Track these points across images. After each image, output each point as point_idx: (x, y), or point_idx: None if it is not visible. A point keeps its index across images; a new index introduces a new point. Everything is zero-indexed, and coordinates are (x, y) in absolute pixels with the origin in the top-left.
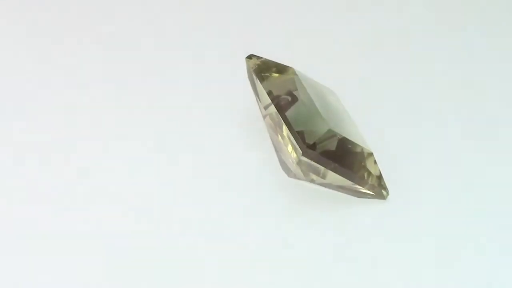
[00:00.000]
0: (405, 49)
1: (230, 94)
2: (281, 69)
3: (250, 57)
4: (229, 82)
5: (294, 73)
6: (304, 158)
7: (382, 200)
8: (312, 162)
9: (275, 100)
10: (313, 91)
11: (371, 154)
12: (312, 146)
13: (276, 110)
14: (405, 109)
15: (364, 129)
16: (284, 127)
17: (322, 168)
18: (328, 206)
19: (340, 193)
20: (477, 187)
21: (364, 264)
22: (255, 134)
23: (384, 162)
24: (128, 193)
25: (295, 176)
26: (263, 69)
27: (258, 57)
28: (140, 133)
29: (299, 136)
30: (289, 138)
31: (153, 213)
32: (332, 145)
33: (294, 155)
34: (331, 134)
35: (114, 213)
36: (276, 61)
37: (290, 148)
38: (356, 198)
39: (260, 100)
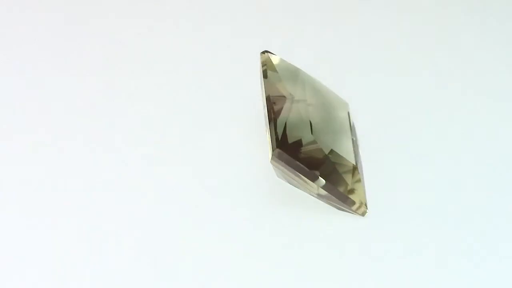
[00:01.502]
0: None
1: (242, 91)
2: (290, 70)
3: (264, 52)
4: (242, 78)
5: (301, 77)
6: (275, 159)
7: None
8: (287, 165)
9: (271, 100)
10: (315, 98)
11: (357, 171)
12: (289, 149)
13: (266, 111)
14: (401, 122)
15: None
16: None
17: (300, 175)
18: (305, 211)
19: (320, 201)
20: (461, 209)
21: (335, 272)
22: (259, 133)
23: (371, 176)
24: (126, 187)
25: (281, 177)
26: (271, 68)
27: (271, 54)
28: (142, 129)
29: (275, 136)
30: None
31: (151, 208)
32: (317, 154)
33: (270, 154)
34: (314, 143)
35: (111, 208)
36: (297, 62)
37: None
38: (335, 209)
39: (263, 99)
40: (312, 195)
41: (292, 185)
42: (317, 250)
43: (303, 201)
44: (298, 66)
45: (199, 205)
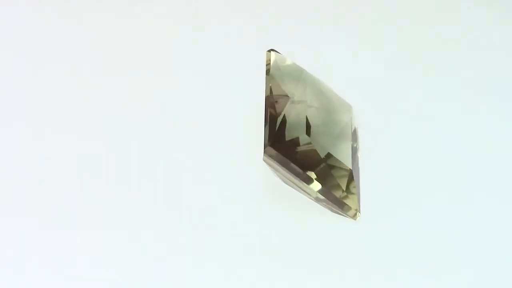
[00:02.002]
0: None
1: (246, 90)
2: (294, 70)
3: (270, 51)
4: (248, 76)
5: (304, 78)
6: (267, 156)
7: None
8: (280, 164)
9: (270, 99)
10: (318, 100)
11: (351, 174)
12: (282, 147)
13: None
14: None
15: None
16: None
17: (295, 176)
18: (298, 212)
19: (313, 202)
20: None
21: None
22: (260, 132)
23: (368, 180)
24: (122, 186)
25: (280, 179)
26: (275, 66)
27: (277, 53)
28: (142, 129)
29: (268, 134)
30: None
31: (149, 208)
32: (312, 156)
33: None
34: (309, 144)
35: (105, 206)
36: (305, 63)
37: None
38: (328, 210)
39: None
40: (308, 198)
41: (291, 187)
42: (309, 252)
43: (296, 201)
44: (307, 67)
45: (194, 204)
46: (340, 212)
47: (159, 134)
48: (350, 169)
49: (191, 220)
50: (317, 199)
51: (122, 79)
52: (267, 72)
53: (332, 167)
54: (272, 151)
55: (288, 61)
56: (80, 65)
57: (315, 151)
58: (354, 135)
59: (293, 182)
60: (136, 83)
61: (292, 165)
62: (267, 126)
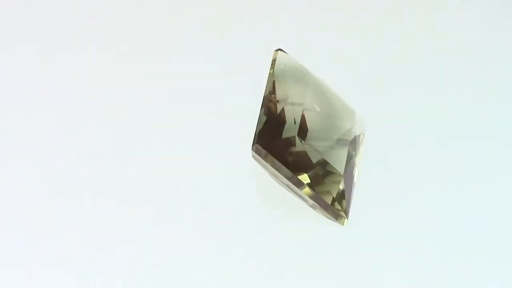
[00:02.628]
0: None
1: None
2: (298, 71)
3: (277, 50)
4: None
5: (306, 79)
6: (255, 154)
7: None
8: (269, 165)
9: (268, 98)
10: (319, 103)
11: (343, 181)
12: (274, 148)
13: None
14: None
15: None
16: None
17: (287, 181)
18: (287, 213)
19: (304, 204)
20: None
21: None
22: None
23: (365, 186)
24: (112, 187)
25: (276, 182)
26: (279, 66)
27: (283, 53)
28: (142, 127)
29: (259, 133)
30: None
31: (145, 209)
32: (304, 159)
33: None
34: (300, 147)
35: (97, 205)
36: (314, 64)
37: None
38: (317, 214)
39: None
40: (294, 195)
41: (286, 190)
42: (295, 256)
43: (287, 204)
44: (315, 69)
45: (183, 204)
46: (329, 218)
47: (156, 133)
48: (342, 175)
49: (180, 220)
50: (313, 206)
51: (123, 78)
52: (270, 71)
53: (325, 172)
54: (262, 150)
55: (294, 62)
56: (76, 58)
57: (307, 155)
58: (354, 142)
59: (287, 185)
60: (137, 80)
61: (284, 168)
62: (260, 125)
